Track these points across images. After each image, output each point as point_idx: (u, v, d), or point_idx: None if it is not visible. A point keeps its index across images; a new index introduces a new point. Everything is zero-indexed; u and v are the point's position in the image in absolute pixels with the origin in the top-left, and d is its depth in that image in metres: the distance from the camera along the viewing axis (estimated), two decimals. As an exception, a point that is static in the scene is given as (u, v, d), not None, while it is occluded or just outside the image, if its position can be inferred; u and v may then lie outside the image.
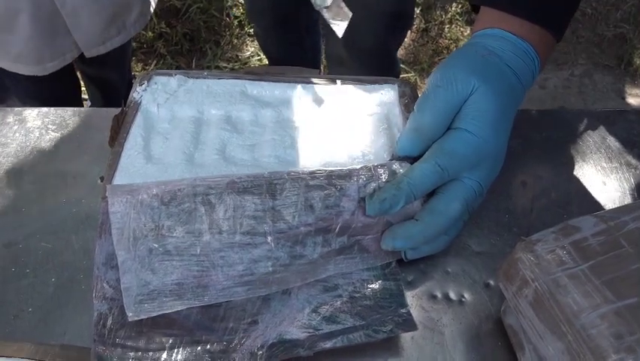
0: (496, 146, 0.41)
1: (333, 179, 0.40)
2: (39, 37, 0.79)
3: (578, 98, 1.63)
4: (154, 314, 0.36)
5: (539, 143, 0.52)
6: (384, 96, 0.49)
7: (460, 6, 1.76)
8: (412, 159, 0.42)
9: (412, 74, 1.60)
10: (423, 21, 1.73)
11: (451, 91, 0.40)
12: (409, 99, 0.49)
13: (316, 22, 1.14)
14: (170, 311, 0.37)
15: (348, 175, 0.41)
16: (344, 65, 1.01)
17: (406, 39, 1.68)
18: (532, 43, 0.43)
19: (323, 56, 1.23)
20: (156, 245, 0.38)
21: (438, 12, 1.76)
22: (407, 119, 0.47)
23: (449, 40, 1.71)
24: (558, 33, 0.45)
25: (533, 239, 0.34)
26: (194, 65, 1.58)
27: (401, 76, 1.58)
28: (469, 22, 1.74)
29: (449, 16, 1.75)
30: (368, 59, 0.99)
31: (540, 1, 0.43)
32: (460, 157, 0.40)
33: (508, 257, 0.35)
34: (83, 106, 1.11)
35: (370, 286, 0.40)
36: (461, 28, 1.73)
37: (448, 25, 1.74)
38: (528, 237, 0.35)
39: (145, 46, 1.60)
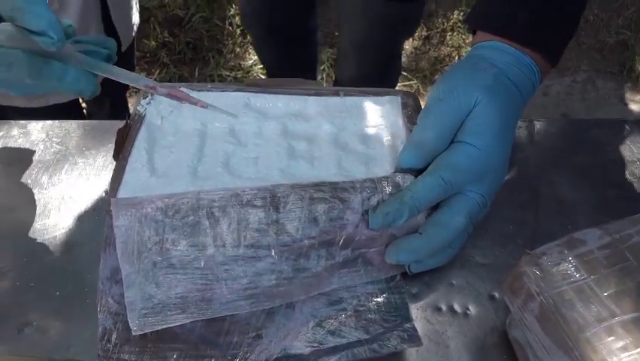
0: (499, 159, 0.41)
1: (337, 192, 0.40)
2: None
3: (580, 104, 1.63)
4: (158, 328, 0.36)
5: (544, 153, 0.52)
6: (386, 108, 0.49)
7: (461, 13, 1.77)
8: (416, 172, 0.42)
9: (414, 81, 1.61)
10: (425, 29, 1.74)
11: (453, 104, 0.40)
12: (411, 110, 0.49)
13: (313, 34, 1.15)
14: (174, 325, 0.37)
15: (351, 188, 0.41)
16: (348, 57, 1.04)
17: (407, 47, 1.69)
18: (531, 56, 0.43)
19: (323, 66, 1.24)
20: (160, 258, 0.38)
21: (440, 19, 1.76)
22: (410, 130, 0.47)
23: (451, 47, 1.71)
24: (553, 59, 0.45)
25: (538, 252, 0.34)
26: (196, 74, 1.58)
27: (403, 83, 1.59)
28: (471, 30, 1.74)
29: (451, 23, 1.75)
30: (372, 51, 1.01)
31: (535, 29, 0.44)
32: (463, 171, 0.40)
33: (513, 270, 0.35)
34: (84, 114, 1.10)
35: (375, 299, 0.40)
36: (463, 36, 1.73)
37: (449, 33, 1.74)
38: (533, 250, 0.35)
39: (148, 55, 1.61)
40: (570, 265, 0.33)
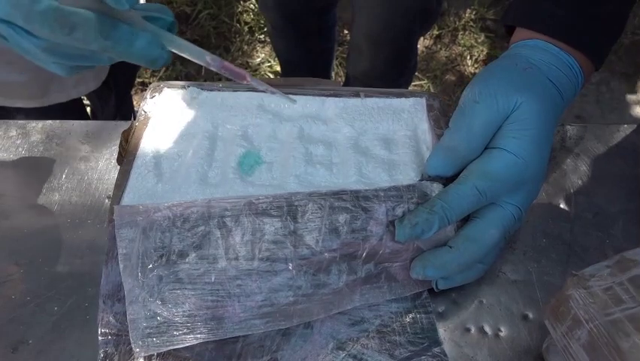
0: (537, 167, 0.38)
1: (359, 200, 0.37)
2: None
3: (595, 106, 1.59)
4: (163, 350, 0.33)
5: (576, 159, 0.49)
6: (411, 110, 0.46)
7: (473, 12, 1.73)
8: (444, 180, 0.39)
9: (425, 81, 1.57)
10: (436, 27, 1.70)
11: (490, 108, 0.37)
12: (437, 113, 0.46)
13: (332, 27, 1.12)
14: (181, 347, 0.34)
15: (375, 197, 0.37)
16: (361, 51, 0.99)
17: (418, 46, 1.65)
18: (575, 57, 0.40)
19: (335, 62, 1.21)
20: (166, 272, 0.35)
21: (451, 18, 1.73)
22: (437, 134, 0.44)
23: (462, 47, 1.68)
24: (597, 61, 0.42)
25: (586, 274, 0.31)
26: (203, 72, 1.55)
27: (414, 83, 1.55)
28: (483, 29, 1.71)
29: (463, 22, 1.72)
30: (385, 46, 0.97)
31: (580, 27, 0.40)
32: (500, 180, 0.36)
33: (558, 293, 0.32)
34: (86, 114, 1.07)
35: (399, 319, 0.37)
36: (475, 35, 1.70)
37: (461, 32, 1.70)
38: (569, 265, 0.32)
39: (154, 52, 1.58)
40: (623, 289, 0.30)
